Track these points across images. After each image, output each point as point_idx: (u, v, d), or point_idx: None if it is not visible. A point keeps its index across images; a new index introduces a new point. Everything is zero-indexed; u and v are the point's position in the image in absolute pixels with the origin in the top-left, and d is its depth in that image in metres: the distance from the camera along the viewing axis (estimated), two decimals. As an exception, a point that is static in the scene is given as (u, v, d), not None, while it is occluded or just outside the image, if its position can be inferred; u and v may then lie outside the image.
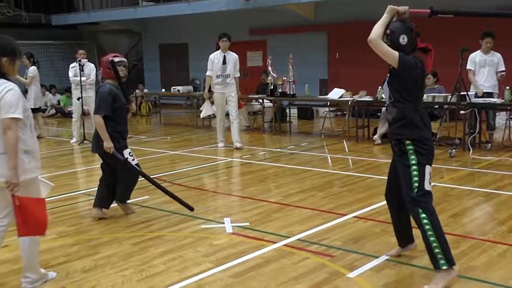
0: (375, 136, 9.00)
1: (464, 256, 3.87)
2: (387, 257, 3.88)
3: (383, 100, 8.88)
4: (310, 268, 3.76)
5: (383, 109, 9.22)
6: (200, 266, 3.83)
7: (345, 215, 4.99)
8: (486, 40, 7.97)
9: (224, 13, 14.34)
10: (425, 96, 8.29)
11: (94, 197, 5.12)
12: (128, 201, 5.20)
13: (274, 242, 4.29)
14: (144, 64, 18.37)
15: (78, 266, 3.88)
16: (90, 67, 9.78)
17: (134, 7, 16.29)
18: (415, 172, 3.37)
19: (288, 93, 10.15)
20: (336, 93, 9.68)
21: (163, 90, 13.81)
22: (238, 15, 14.40)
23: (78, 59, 9.50)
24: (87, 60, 9.78)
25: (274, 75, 10.27)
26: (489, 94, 7.99)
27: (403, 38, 3.51)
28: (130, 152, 4.89)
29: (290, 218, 4.94)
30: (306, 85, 10.26)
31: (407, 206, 3.47)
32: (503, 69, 8.07)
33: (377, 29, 3.47)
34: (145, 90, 15.61)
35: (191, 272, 3.72)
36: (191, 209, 5.04)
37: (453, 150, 7.64)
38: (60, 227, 4.85)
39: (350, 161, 7.75)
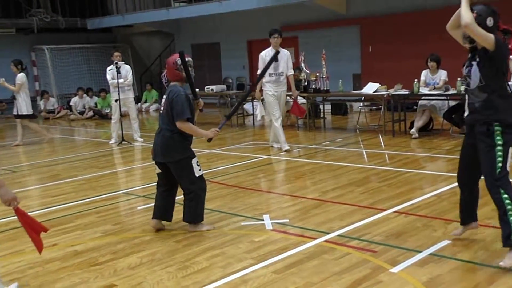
0: (412, 130, 8.88)
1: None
2: (431, 252, 3.85)
3: (419, 93, 8.78)
4: (353, 263, 3.76)
5: (420, 102, 9.11)
6: (243, 262, 3.88)
7: (385, 210, 4.96)
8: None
9: (255, 11, 14.39)
10: (462, 87, 8.13)
11: (153, 208, 4.71)
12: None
13: (315, 238, 4.30)
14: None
15: (124, 263, 3.99)
16: (126, 69, 9.97)
17: (166, 8, 16.50)
18: (499, 153, 3.51)
19: (321, 89, 10.11)
20: (370, 87, 9.59)
21: (197, 89, 13.93)
22: (269, 12, 14.41)
23: (114, 62, 9.70)
24: (123, 62, 9.97)
25: (307, 71, 10.24)
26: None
27: (490, 20, 3.58)
28: (197, 162, 4.58)
29: (329, 214, 4.95)
30: (340, 80, 10.19)
31: (488, 186, 3.57)
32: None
33: (468, 13, 3.48)
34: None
35: (234, 268, 3.78)
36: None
37: None
38: (106, 225, 4.98)
39: (386, 156, 7.68)
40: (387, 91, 9.33)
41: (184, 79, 4.54)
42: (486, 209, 4.60)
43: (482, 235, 4.12)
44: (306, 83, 10.29)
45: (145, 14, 17.07)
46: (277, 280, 3.56)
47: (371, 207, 5.10)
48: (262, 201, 5.58)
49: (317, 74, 10.10)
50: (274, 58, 6.23)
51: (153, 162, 4.69)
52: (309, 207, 5.23)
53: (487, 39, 3.49)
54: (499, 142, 3.52)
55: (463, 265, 3.62)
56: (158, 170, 4.63)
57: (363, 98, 10.53)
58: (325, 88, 10.10)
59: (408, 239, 4.16)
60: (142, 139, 10.18)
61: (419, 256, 3.80)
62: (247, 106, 13.17)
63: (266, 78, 8.13)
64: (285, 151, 8.15)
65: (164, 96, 4.59)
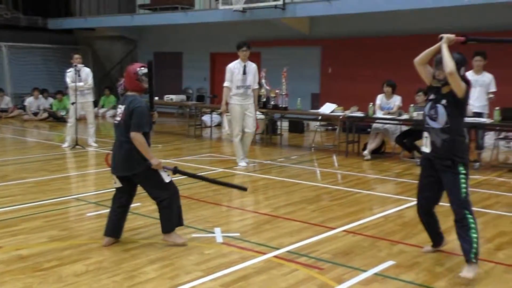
0: (365, 152, 9.12)
1: (451, 272, 3.96)
2: (375, 272, 3.97)
3: (374, 116, 9.05)
4: (299, 279, 3.83)
5: (374, 125, 9.37)
6: (191, 274, 3.89)
7: (334, 228, 5.07)
8: (476, 59, 8.06)
9: (220, 24, 14.48)
10: (415, 113, 8.46)
11: (106, 225, 4.53)
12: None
13: (264, 253, 4.36)
14: (138, 71, 18.43)
15: (70, 270, 3.92)
16: (86, 72, 9.82)
17: (130, 14, 16.39)
18: (463, 180, 3.93)
19: (280, 106, 10.26)
20: (327, 108, 9.80)
21: (156, 98, 13.84)
22: (234, 26, 14.54)
23: (74, 64, 9.55)
24: (83, 65, 9.83)
25: (268, 87, 10.38)
26: (479, 114, 8.12)
27: (462, 71, 4.01)
28: (164, 168, 4.49)
29: (280, 230, 5.02)
30: (299, 99, 10.38)
31: (454, 208, 3.98)
32: (494, 90, 8.18)
33: (452, 62, 3.85)
34: (138, 97, 15.64)
35: (182, 280, 3.78)
36: (245, 189, 5.12)
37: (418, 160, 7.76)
38: (53, 230, 4.88)
39: (339, 175, 7.85)
40: (343, 112, 9.57)
41: (144, 90, 4.44)
42: (425, 234, 4.77)
43: (425, 258, 4.28)
44: (265, 99, 10.42)
45: (108, 19, 16.89)
46: (224, 293, 3.59)
47: (321, 225, 5.20)
48: (214, 214, 5.60)
49: (276, 91, 10.25)
50: None
51: (108, 170, 4.58)
52: (260, 222, 5.29)
53: (461, 87, 3.90)
54: (462, 172, 3.94)
55: (405, 285, 3.74)
56: (119, 185, 4.46)
57: (319, 118, 10.74)
58: (283, 106, 10.26)
59: (355, 258, 4.27)
60: (96, 144, 10.02)
61: (364, 275, 3.91)
62: (206, 118, 13.19)
63: (234, 91, 8.12)
64: (241, 166, 8.20)
65: (121, 106, 4.41)
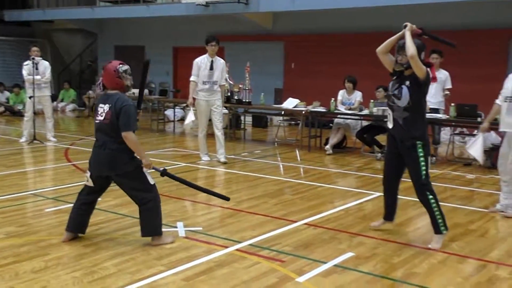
0: (327, 146, 9.24)
1: (407, 263, 4.07)
2: (335, 263, 4.05)
3: (336, 111, 9.18)
4: (261, 272, 3.87)
5: (336, 120, 9.51)
6: (152, 269, 3.87)
7: (295, 221, 5.13)
8: (432, 56, 8.26)
9: (183, 18, 14.36)
10: (375, 109, 8.62)
11: (68, 220, 4.42)
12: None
13: (226, 247, 4.37)
14: (99, 65, 18.10)
15: (27, 267, 3.84)
16: (45, 65, 9.58)
17: (91, 6, 16.04)
18: (423, 163, 4.36)
19: (243, 100, 10.27)
20: (290, 103, 9.88)
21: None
22: (197, 20, 14.45)
23: (31, 57, 9.30)
24: (41, 58, 9.59)
25: (231, 82, 10.37)
26: (435, 110, 8.35)
27: (422, 55, 4.36)
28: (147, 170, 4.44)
29: (242, 224, 5.04)
30: (262, 93, 10.42)
31: (417, 189, 4.44)
32: (450, 87, 8.45)
33: (413, 46, 4.22)
34: (98, 91, 15.37)
35: (143, 275, 3.75)
36: (227, 199, 5.02)
37: (379, 154, 7.97)
38: (9, 227, 4.76)
39: (302, 169, 7.93)
40: (305, 107, 9.66)
41: (124, 87, 4.29)
42: (387, 226, 4.90)
43: (383, 249, 4.39)
44: (229, 94, 10.41)
45: (68, 11, 16.49)
46: (186, 287, 3.59)
47: (283, 218, 5.25)
48: (177, 209, 5.57)
49: (240, 86, 10.26)
50: None
51: (68, 164, 4.48)
52: (223, 216, 5.31)
53: (422, 69, 4.27)
54: (421, 154, 4.36)
55: (363, 276, 3.83)
56: (91, 184, 4.34)
57: (283, 113, 10.81)
58: (247, 100, 10.27)
59: (315, 250, 4.34)
60: (55, 139, 9.81)
61: (324, 267, 3.98)
62: (169, 112, 13.09)
63: (200, 86, 8.04)
64: (206, 160, 8.18)
65: (103, 105, 4.24)
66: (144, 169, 4.34)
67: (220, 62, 8.17)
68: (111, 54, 17.50)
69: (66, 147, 9.26)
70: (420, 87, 4.34)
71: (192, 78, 8.06)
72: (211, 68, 8.01)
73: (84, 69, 18.88)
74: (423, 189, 4.39)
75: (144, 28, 16.15)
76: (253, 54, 13.66)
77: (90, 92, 15.00)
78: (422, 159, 4.36)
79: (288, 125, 12.44)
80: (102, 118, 4.24)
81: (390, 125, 4.52)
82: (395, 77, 4.47)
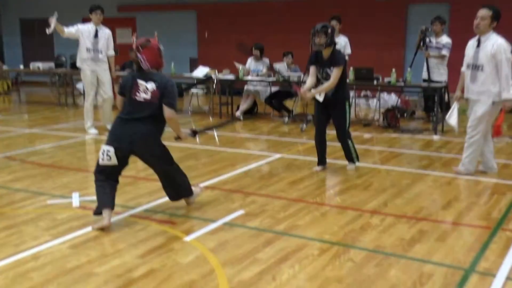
0: (237, 113, 9.37)
1: (292, 217, 4.29)
2: (224, 221, 4.19)
3: (244, 78, 9.29)
4: (150, 234, 3.95)
5: (245, 87, 9.63)
6: (39, 239, 3.85)
7: (194, 185, 5.22)
8: (331, 23, 8.53)
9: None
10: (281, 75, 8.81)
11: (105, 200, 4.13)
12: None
13: (120, 213, 4.40)
14: (4, 39, 17.15)
15: None
16: None
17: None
18: (347, 115, 5.58)
19: (154, 70, 10.13)
20: (200, 71, 9.88)
21: (22, 67, 13.03)
22: (106, -10, 13.94)
23: None
24: None
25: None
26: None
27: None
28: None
29: (140, 191, 5.08)
30: (172, 62, 10.33)
31: (340, 136, 5.67)
32: (349, 52, 8.78)
33: (328, 86, 5.51)
34: (4, 67, 14.60)
35: (28, 245, 3.73)
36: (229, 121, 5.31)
37: (304, 125, 8.23)
38: None
39: (209, 136, 8.01)
40: (215, 75, 9.69)
41: (162, 67, 4.18)
42: (280, 183, 5.12)
43: (271, 206, 4.59)
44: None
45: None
46: (72, 254, 3.61)
47: (182, 183, 5.32)
48: (75, 180, 5.51)
49: (149, 56, 10.08)
50: None
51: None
52: (122, 184, 5.21)
53: (339, 71, 5.42)
54: (347, 109, 5.57)
55: (248, 231, 4.00)
56: (115, 162, 4.08)
57: (195, 81, 10.79)
58: (157, 70, 10.14)
59: (208, 211, 4.47)
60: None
61: (213, 226, 4.11)
62: (80, 85, 12.67)
63: (84, 55, 7.91)
64: (93, 133, 7.97)
65: (148, 83, 4.04)
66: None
67: (105, 31, 8.04)
68: (16, 28, 16.73)
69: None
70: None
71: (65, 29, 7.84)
72: (96, 35, 7.89)
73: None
74: (345, 136, 5.64)
75: (50, 0, 15.41)
76: (166, 24, 13.47)
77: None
78: (347, 112, 5.54)
79: (205, 94, 12.45)
80: (148, 97, 4.04)
81: (321, 99, 5.49)
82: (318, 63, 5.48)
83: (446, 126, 8.45)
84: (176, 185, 4.43)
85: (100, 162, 4.11)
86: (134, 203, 4.70)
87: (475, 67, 5.30)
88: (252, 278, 3.22)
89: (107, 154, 4.07)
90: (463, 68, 5.55)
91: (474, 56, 5.30)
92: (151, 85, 4.06)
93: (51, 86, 14.63)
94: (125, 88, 4.14)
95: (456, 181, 5.43)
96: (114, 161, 4.08)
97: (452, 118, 5.73)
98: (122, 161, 4.18)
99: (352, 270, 3.34)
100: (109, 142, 4.11)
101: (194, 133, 4.58)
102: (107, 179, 4.17)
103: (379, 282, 3.16)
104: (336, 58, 5.40)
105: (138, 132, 4.06)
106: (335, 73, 5.38)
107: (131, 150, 4.14)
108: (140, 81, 4.08)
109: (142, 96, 4.07)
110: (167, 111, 4.08)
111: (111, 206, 4.12)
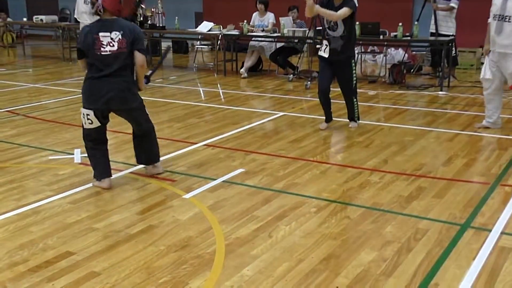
0: (242, 70, 9.28)
1: (291, 175, 4.30)
2: (224, 179, 4.21)
3: (248, 34, 9.14)
4: (150, 191, 3.98)
5: (250, 42, 9.48)
6: (40, 194, 3.89)
7: (195, 143, 5.23)
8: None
9: None
10: (285, 30, 8.66)
11: (100, 169, 4.07)
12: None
13: (121, 170, 4.43)
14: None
15: None
16: None
17: None
18: (354, 74, 5.61)
19: (157, 25, 10.00)
20: (204, 27, 9.72)
21: (24, 19, 12.89)
22: None
23: None
24: None
25: (143, 6, 10.02)
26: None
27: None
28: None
29: (141, 148, 5.08)
30: (176, 17, 10.16)
31: (346, 93, 5.71)
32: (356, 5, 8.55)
33: (329, 12, 5.29)
34: (8, 19, 14.46)
35: (28, 200, 3.77)
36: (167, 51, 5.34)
37: (309, 83, 8.15)
38: None
39: (213, 94, 7.97)
40: (220, 30, 9.54)
41: (123, 15, 3.94)
42: (282, 142, 5.11)
43: (271, 164, 4.59)
44: (142, 19, 10.09)
45: None
46: (72, 209, 3.65)
47: (184, 141, 5.34)
48: (77, 136, 5.44)
49: (152, 10, 9.94)
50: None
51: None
52: (123, 142, 5.31)
53: (349, 11, 5.23)
54: (354, 68, 5.58)
55: (247, 189, 4.02)
56: (97, 124, 3.94)
57: (199, 37, 10.65)
58: (161, 25, 10.01)
59: (208, 169, 4.48)
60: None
61: (212, 183, 4.13)
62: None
63: (83, 7, 7.79)
64: None
65: (111, 33, 3.79)
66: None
67: None
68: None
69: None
70: (351, 16, 5.28)
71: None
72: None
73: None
74: (351, 94, 5.67)
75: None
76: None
77: (-1, 20, 14.06)
78: (354, 71, 5.57)
79: (211, 50, 12.30)
80: (115, 48, 3.80)
81: (325, 55, 5.47)
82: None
83: (453, 81, 8.36)
84: (150, 145, 4.25)
85: (84, 126, 4.00)
86: (134, 161, 4.69)
87: (502, 17, 5.19)
88: (248, 235, 3.25)
89: (87, 118, 3.92)
90: (490, 19, 5.42)
91: (501, 6, 5.20)
92: (115, 35, 3.81)
93: (55, 40, 14.56)
94: (87, 47, 3.83)
95: (458, 137, 5.41)
96: (96, 123, 3.94)
97: (488, 74, 5.50)
98: (105, 120, 4.04)
99: (348, 227, 3.36)
100: (86, 106, 3.92)
101: (148, 79, 4.22)
102: (96, 146, 4.07)
103: (374, 239, 3.19)
104: (347, 3, 5.27)
105: (114, 89, 3.85)
106: (343, 11, 5.21)
107: (109, 109, 3.97)
108: (102, 34, 3.80)
109: (107, 49, 3.80)
110: (141, 58, 3.88)
111: (108, 174, 4.07)
